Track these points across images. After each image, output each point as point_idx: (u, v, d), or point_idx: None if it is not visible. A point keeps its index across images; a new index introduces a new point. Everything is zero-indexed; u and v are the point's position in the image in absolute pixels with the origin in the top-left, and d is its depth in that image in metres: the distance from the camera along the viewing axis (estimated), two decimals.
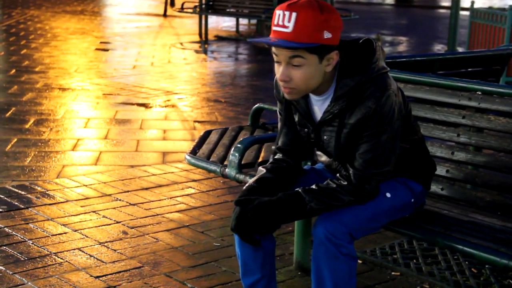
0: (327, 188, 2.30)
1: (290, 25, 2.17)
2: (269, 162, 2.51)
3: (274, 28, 2.22)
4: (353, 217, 2.29)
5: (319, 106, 2.36)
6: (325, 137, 2.37)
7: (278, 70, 2.27)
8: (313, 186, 2.32)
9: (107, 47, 11.26)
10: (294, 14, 2.17)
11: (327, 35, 2.18)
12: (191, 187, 4.48)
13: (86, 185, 4.43)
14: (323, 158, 2.54)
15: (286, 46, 2.19)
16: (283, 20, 2.18)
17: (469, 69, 3.96)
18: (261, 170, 2.48)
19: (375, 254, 3.44)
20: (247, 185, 2.43)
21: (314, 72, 2.23)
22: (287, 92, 2.29)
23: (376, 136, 2.26)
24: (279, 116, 2.51)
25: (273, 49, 2.25)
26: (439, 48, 12.43)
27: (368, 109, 2.24)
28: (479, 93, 2.84)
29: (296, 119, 2.44)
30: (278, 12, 2.21)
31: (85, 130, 5.87)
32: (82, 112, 6.53)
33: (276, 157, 2.51)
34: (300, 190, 2.30)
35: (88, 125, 6.03)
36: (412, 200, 2.47)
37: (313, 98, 2.37)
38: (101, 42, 11.73)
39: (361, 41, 2.32)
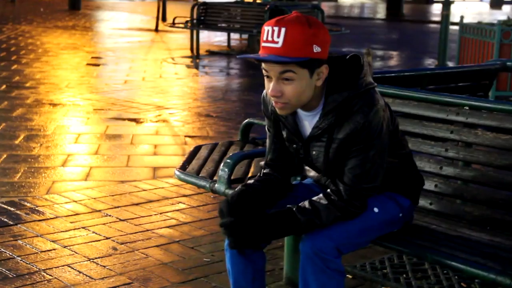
0: (320, 206, 2.29)
1: (280, 40, 2.18)
2: (257, 176, 2.52)
3: (263, 44, 2.23)
4: (341, 232, 2.29)
5: (309, 122, 2.37)
6: (313, 152, 2.38)
7: (269, 85, 2.28)
8: (307, 205, 2.31)
9: (99, 62, 11.26)
10: (283, 29, 2.18)
11: (316, 49, 2.20)
12: (181, 203, 4.47)
13: (76, 201, 4.42)
14: (312, 173, 2.54)
15: (277, 61, 2.20)
16: (272, 36, 2.20)
17: (458, 84, 3.98)
18: (249, 182, 2.48)
19: (365, 269, 3.44)
20: (234, 190, 2.41)
21: (305, 86, 2.24)
22: (279, 107, 2.30)
23: (365, 151, 2.27)
24: (267, 132, 2.52)
25: (263, 64, 2.26)
26: (429, 62, 12.49)
27: (357, 124, 2.25)
28: (467, 108, 2.86)
29: (285, 135, 2.45)
30: (266, 28, 2.22)
31: (76, 146, 5.85)
32: (72, 128, 6.51)
33: (264, 171, 2.52)
34: (294, 209, 2.30)
35: (79, 141, 6.02)
36: (400, 214, 2.47)
37: (303, 114, 2.38)
38: (92, 57, 11.73)
39: (348, 56, 2.34)
